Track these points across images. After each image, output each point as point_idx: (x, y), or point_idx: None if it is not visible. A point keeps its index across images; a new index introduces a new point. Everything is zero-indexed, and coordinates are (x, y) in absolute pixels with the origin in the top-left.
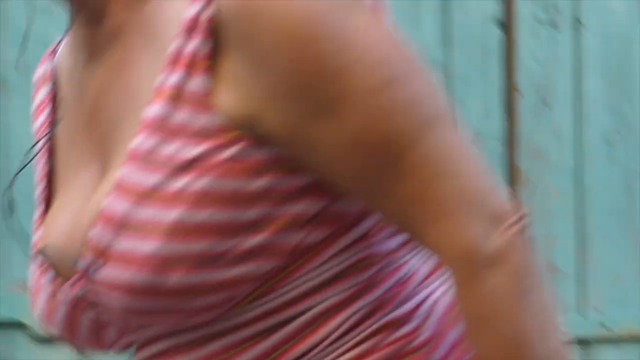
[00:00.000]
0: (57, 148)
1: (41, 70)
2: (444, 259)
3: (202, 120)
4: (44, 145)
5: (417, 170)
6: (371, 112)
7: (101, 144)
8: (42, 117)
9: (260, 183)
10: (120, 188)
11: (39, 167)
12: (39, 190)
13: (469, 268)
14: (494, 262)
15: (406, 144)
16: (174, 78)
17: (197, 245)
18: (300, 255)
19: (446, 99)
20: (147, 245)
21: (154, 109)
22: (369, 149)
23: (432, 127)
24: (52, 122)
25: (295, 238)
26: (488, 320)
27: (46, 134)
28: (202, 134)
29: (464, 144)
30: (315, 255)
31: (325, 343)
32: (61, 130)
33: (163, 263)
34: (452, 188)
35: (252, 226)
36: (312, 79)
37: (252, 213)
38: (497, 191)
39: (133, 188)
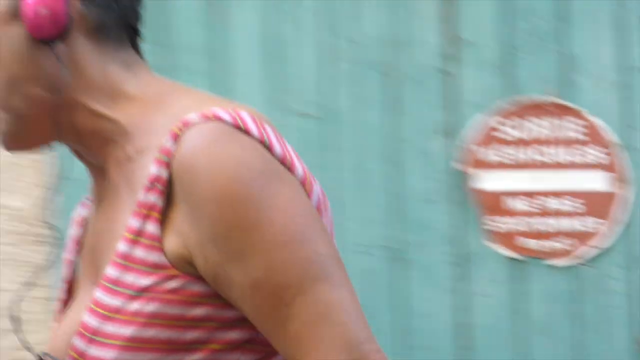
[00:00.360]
0: (77, 277)
1: (76, 213)
2: None
3: (153, 257)
4: (66, 275)
5: (302, 316)
6: (271, 264)
7: (96, 272)
8: (67, 254)
9: (198, 312)
10: (94, 307)
11: (60, 290)
12: (57, 307)
13: None
14: None
15: (295, 293)
16: (137, 223)
17: (146, 356)
18: None
19: (338, 258)
20: (109, 354)
21: (121, 246)
22: (266, 293)
23: (320, 283)
24: (72, 260)
25: (231, 357)
26: None
27: (68, 267)
28: (152, 268)
29: (346, 299)
30: None
31: None
32: (81, 263)
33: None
34: (329, 333)
35: (192, 345)
36: (230, 232)
37: (191, 335)
38: (367, 340)
39: (102, 307)
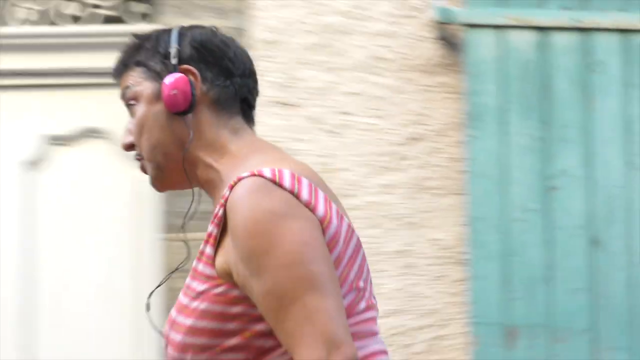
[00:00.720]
0: None
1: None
2: None
3: (208, 271)
4: None
5: (295, 316)
6: (276, 279)
7: None
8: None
9: (236, 309)
10: (176, 304)
11: None
12: None
13: None
14: None
15: (292, 300)
16: (203, 246)
17: (200, 340)
18: (262, 354)
19: (330, 275)
20: (177, 337)
21: (194, 262)
22: (272, 299)
23: (311, 293)
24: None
25: (259, 343)
26: None
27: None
28: (207, 278)
29: (331, 306)
30: (270, 353)
31: None
32: None
33: (184, 347)
34: (312, 331)
35: (231, 333)
36: (250, 256)
37: (231, 325)
38: (343, 338)
39: (178, 304)
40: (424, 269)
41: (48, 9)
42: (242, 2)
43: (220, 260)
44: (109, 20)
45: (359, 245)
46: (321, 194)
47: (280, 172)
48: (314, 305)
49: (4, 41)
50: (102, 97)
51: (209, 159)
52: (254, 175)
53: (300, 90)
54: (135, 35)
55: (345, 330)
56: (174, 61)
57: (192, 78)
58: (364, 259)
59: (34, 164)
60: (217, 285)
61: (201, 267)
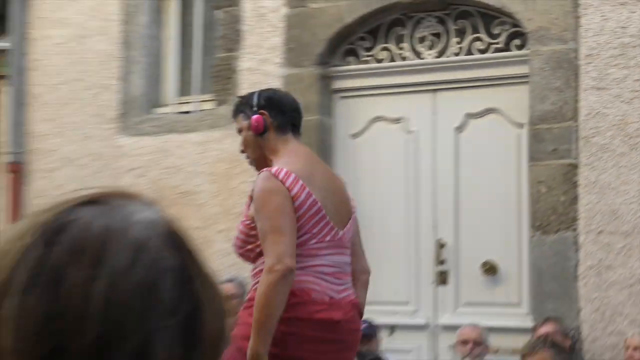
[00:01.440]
0: None
1: None
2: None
3: (246, 212)
4: None
5: (267, 241)
6: (263, 223)
7: None
8: None
9: (253, 232)
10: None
11: None
12: None
13: (265, 272)
14: (270, 272)
15: (267, 234)
16: (247, 199)
17: (238, 242)
18: (259, 255)
19: (288, 225)
20: (234, 239)
21: (244, 207)
22: (261, 233)
23: (276, 231)
24: None
25: (260, 250)
26: (261, 286)
27: None
28: (245, 216)
29: (286, 239)
30: (262, 256)
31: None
32: None
33: (235, 242)
34: (272, 249)
35: (249, 242)
36: (256, 210)
37: (250, 239)
38: (289, 256)
39: (240, 223)
40: None
41: (467, 45)
42: (574, 33)
43: (252, 208)
44: (498, 50)
45: (319, 210)
46: (299, 183)
47: (280, 170)
48: (277, 238)
49: (444, 65)
50: (496, 91)
51: (271, 156)
52: (268, 170)
53: (608, 80)
54: (239, 96)
55: (291, 253)
56: (255, 108)
57: (264, 116)
58: (322, 217)
59: (459, 129)
60: (246, 220)
61: (244, 209)
